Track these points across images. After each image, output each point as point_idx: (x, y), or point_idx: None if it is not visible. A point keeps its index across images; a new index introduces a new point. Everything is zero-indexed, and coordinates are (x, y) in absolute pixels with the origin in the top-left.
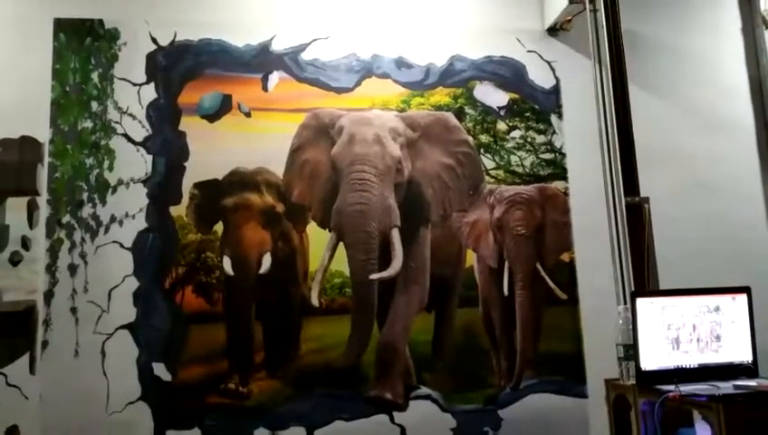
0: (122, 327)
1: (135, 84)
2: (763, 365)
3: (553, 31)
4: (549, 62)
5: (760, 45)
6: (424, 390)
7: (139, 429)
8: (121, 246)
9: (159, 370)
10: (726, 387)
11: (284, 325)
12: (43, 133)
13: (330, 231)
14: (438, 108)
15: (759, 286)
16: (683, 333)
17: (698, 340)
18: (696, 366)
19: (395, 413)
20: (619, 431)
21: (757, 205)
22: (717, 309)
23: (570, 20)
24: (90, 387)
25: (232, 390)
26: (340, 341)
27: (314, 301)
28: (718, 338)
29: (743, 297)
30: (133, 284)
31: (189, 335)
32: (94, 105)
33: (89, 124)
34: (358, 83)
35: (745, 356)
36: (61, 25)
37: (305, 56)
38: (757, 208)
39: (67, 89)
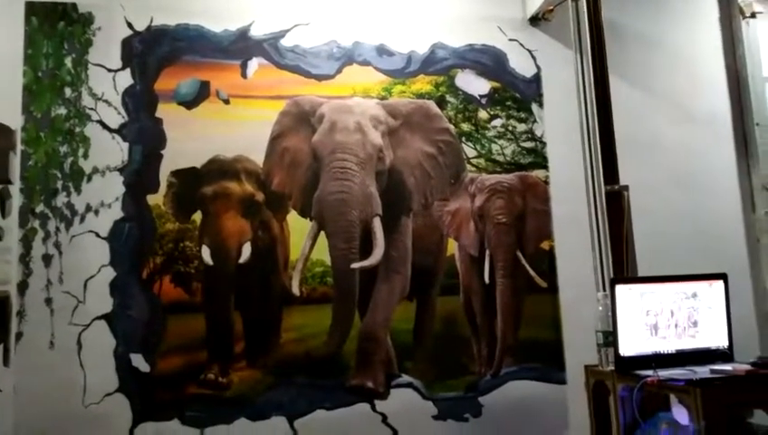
0: (99, 318)
1: (110, 70)
2: (738, 350)
3: (535, 20)
4: (530, 51)
5: (737, 36)
6: (405, 378)
7: (116, 420)
8: (97, 235)
9: (137, 361)
10: (703, 371)
11: (265, 315)
12: (15, 120)
13: (310, 220)
14: (420, 96)
15: (733, 274)
16: (661, 319)
17: (676, 326)
18: (674, 352)
19: (376, 402)
20: (599, 417)
21: (732, 194)
22: (695, 295)
23: (551, 10)
24: (66, 379)
25: (212, 380)
26: (322, 330)
27: (295, 290)
28: (695, 324)
29: (719, 284)
30: (110, 274)
31: (168, 326)
32: (68, 91)
33: (62, 111)
34: (339, 71)
35: (722, 341)
36: (33, 9)
37: (285, 43)
38: (732, 198)
39: (40, 74)
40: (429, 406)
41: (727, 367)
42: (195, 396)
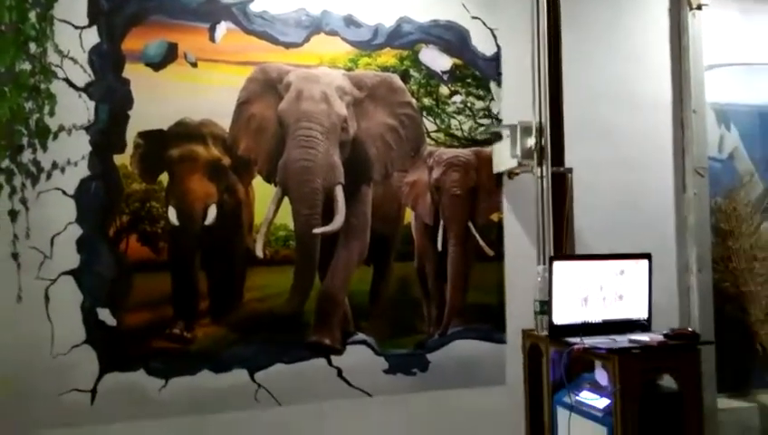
0: (66, 273)
1: (76, 27)
2: (661, 321)
3: None
4: (492, 30)
5: (683, 26)
6: (360, 336)
7: (83, 370)
8: (64, 193)
9: (104, 315)
10: (623, 341)
11: (229, 275)
12: None
13: (275, 185)
14: (385, 69)
15: (663, 249)
16: (591, 292)
17: (604, 299)
18: (601, 322)
19: (333, 357)
20: (532, 375)
21: (667, 176)
22: (622, 272)
23: None
24: (34, 331)
25: (177, 334)
26: (283, 290)
27: (259, 252)
28: (621, 298)
29: (644, 262)
30: (76, 231)
31: (134, 283)
32: (32, 47)
33: (27, 66)
34: (306, 39)
35: (642, 314)
36: None
37: (254, 8)
38: (667, 179)
39: (2, 28)
40: (381, 361)
41: (644, 337)
42: (160, 350)
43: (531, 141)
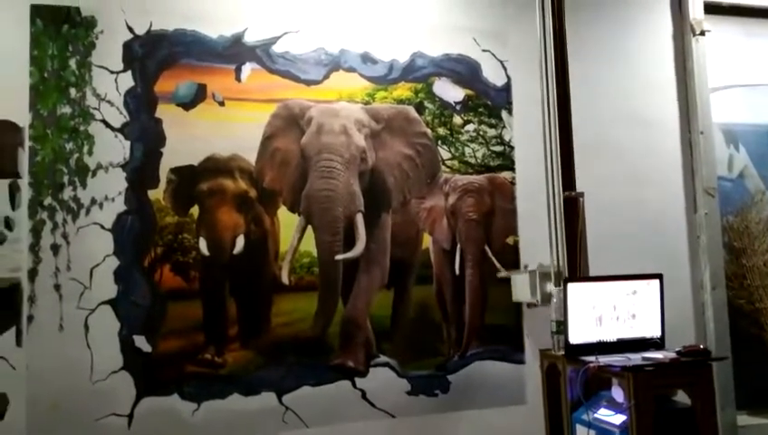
0: (104, 303)
1: (112, 72)
2: (676, 338)
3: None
4: (501, 62)
5: (687, 50)
6: (383, 358)
7: (121, 395)
8: (102, 227)
9: (140, 342)
10: (636, 359)
11: (256, 301)
12: (22, 118)
13: (299, 215)
14: (400, 102)
15: (675, 268)
16: (605, 312)
17: (617, 318)
18: (615, 340)
19: (357, 379)
20: (551, 393)
21: (677, 196)
22: (635, 292)
23: None
24: (74, 358)
25: (208, 359)
26: (308, 315)
27: (284, 279)
28: (634, 317)
29: (656, 282)
30: (114, 263)
31: (168, 311)
32: (72, 91)
33: (68, 110)
34: (326, 76)
35: (655, 332)
36: (38, 12)
37: (276, 49)
38: (677, 199)
39: (45, 75)
40: (404, 383)
41: (657, 355)
42: (192, 374)
43: (550, 287)
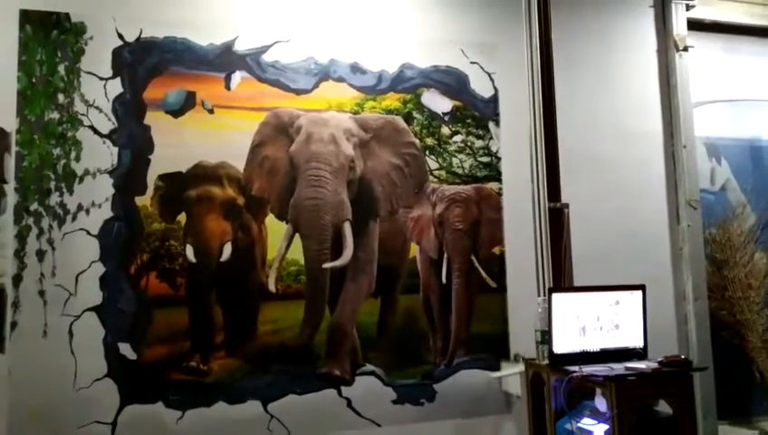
0: (89, 309)
1: (101, 78)
2: (659, 348)
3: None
4: (489, 74)
5: (671, 66)
6: (369, 366)
7: (105, 403)
8: (88, 233)
9: (125, 349)
10: (619, 368)
11: (243, 309)
12: (9, 123)
13: (287, 223)
14: (389, 112)
15: (658, 279)
16: (589, 322)
17: (601, 328)
18: (598, 350)
19: (342, 388)
20: (535, 402)
21: (660, 208)
22: (618, 303)
23: None
24: (58, 365)
25: (193, 367)
26: (295, 323)
27: (271, 287)
28: (617, 327)
29: (639, 293)
30: (100, 269)
31: (154, 318)
32: (61, 97)
33: (55, 115)
34: (315, 86)
35: (638, 342)
36: (27, 17)
37: (267, 58)
38: (660, 211)
39: (34, 80)
40: (389, 392)
41: (640, 365)
42: (178, 382)
43: None
